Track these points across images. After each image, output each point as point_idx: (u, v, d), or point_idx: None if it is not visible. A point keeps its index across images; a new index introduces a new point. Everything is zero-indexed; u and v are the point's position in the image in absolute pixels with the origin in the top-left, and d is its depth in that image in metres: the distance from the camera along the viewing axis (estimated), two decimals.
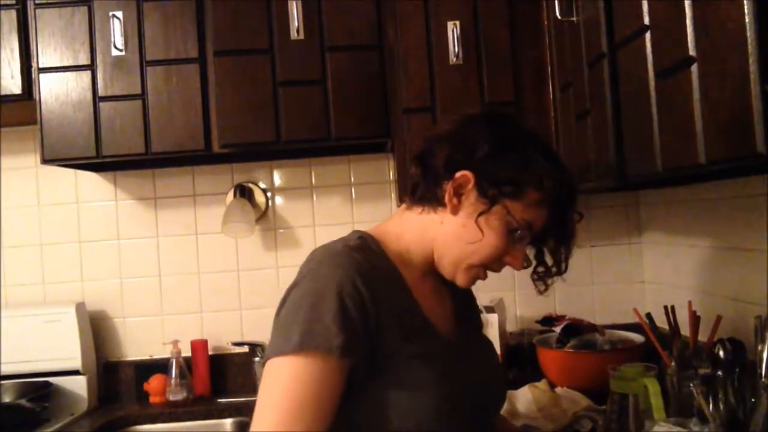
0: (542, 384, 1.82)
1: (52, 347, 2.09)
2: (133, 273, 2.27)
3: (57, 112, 1.92)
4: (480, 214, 1.00)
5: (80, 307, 2.15)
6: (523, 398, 1.74)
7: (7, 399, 1.98)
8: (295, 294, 0.95)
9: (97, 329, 2.23)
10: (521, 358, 2.06)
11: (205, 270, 2.28)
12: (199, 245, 2.28)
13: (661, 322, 1.58)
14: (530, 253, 1.09)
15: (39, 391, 1.99)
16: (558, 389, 1.79)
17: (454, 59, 1.84)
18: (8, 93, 1.94)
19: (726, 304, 1.59)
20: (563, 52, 1.64)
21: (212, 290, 2.27)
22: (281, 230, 2.29)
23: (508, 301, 2.21)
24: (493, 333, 1.91)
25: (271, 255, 2.28)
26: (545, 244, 1.07)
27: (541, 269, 1.09)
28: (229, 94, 1.92)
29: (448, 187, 1.01)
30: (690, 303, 1.48)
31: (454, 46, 1.84)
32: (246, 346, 2.21)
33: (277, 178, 2.30)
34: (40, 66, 1.93)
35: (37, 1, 1.93)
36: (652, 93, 1.05)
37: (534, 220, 1.02)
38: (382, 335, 0.95)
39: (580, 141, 1.51)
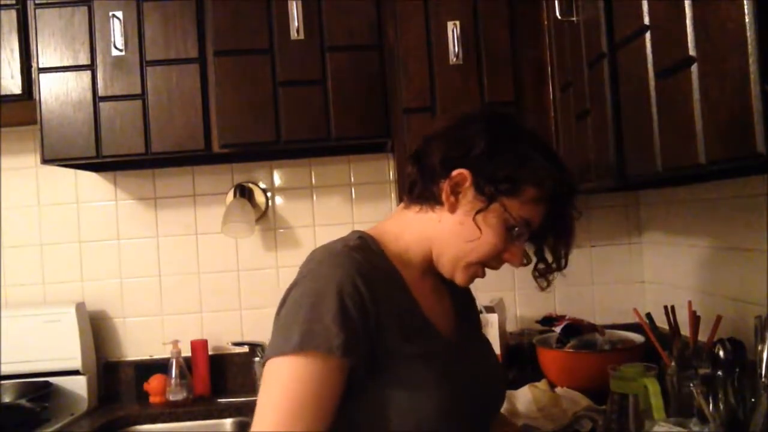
0: (542, 384, 1.82)
1: (52, 347, 2.09)
2: (133, 273, 2.27)
3: (57, 112, 1.92)
4: (477, 212, 1.00)
5: (80, 307, 2.15)
6: (523, 398, 1.74)
7: (7, 399, 1.98)
8: (295, 294, 0.95)
9: (97, 329, 2.23)
10: (521, 358, 2.06)
11: (205, 270, 2.28)
12: (199, 245, 2.28)
13: (661, 322, 1.58)
14: (530, 250, 1.09)
15: (39, 391, 1.99)
16: (558, 389, 1.79)
17: (454, 59, 1.84)
18: (8, 93, 1.94)
19: (726, 304, 1.59)
20: (563, 52, 1.64)
21: (212, 290, 2.27)
22: (281, 230, 2.29)
23: (508, 301, 2.21)
24: (493, 333, 1.91)
25: (271, 255, 2.28)
26: (544, 241, 1.07)
27: (541, 266, 1.09)
28: (229, 94, 1.92)
29: (446, 186, 1.01)
30: (690, 303, 1.48)
31: (454, 46, 1.84)
32: (246, 346, 2.21)
33: (277, 178, 2.30)
34: (40, 66, 1.93)
35: (37, 1, 1.93)
36: (652, 93, 1.05)
37: (532, 218, 1.02)
38: (382, 335, 0.94)
39: (580, 141, 1.51)
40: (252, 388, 2.17)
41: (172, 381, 2.10)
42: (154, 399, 2.14)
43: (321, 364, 0.89)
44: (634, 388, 1.33)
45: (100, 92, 1.93)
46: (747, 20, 0.75)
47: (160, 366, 2.16)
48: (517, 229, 1.02)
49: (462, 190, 1.01)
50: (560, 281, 2.36)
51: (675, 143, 1.00)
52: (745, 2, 0.75)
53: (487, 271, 1.09)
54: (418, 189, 1.06)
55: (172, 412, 2.06)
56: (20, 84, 1.94)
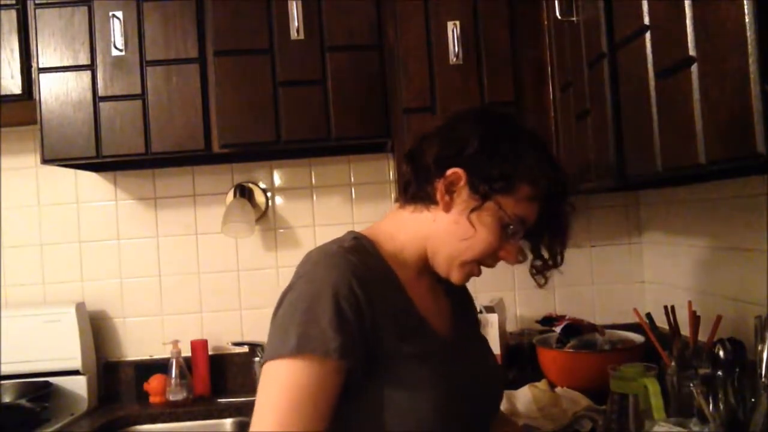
0: (542, 384, 1.82)
1: (52, 347, 2.09)
2: (133, 273, 2.27)
3: (57, 112, 1.92)
4: (472, 211, 1.00)
5: (80, 307, 2.15)
6: (523, 398, 1.74)
7: (7, 399, 1.98)
8: (291, 296, 0.95)
9: (97, 329, 2.23)
10: (521, 358, 2.06)
11: (205, 270, 2.28)
12: (199, 245, 2.28)
13: (661, 322, 1.58)
14: (526, 247, 1.09)
15: (39, 391, 1.99)
16: (558, 389, 1.79)
17: (454, 59, 1.84)
18: (8, 93, 1.94)
19: (726, 304, 1.59)
20: (563, 52, 1.64)
21: (212, 290, 2.27)
22: (281, 230, 2.29)
23: (508, 301, 2.21)
24: (493, 333, 1.91)
25: (271, 255, 2.28)
26: (540, 239, 1.07)
27: (538, 263, 1.09)
28: (229, 94, 1.92)
29: (440, 185, 1.02)
30: (690, 303, 1.48)
31: (454, 46, 1.84)
32: (246, 346, 2.21)
33: (277, 178, 2.30)
34: (40, 66, 1.93)
35: (37, 1, 1.93)
36: (652, 93, 1.05)
37: (526, 215, 1.02)
38: (378, 336, 0.95)
39: (580, 141, 1.51)
40: (252, 388, 2.17)
41: (172, 381, 2.10)
42: (154, 399, 2.14)
43: (318, 367, 0.89)
44: (634, 388, 1.33)
45: (100, 92, 1.93)
46: (747, 20, 0.75)
47: (160, 366, 2.16)
48: (512, 227, 1.02)
49: (456, 189, 1.02)
50: (560, 281, 2.37)
51: (675, 143, 1.00)
52: (745, 2, 0.75)
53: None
54: (413, 189, 1.06)
55: (172, 412, 2.06)
56: (20, 84, 1.94)
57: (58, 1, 1.93)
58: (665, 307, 1.58)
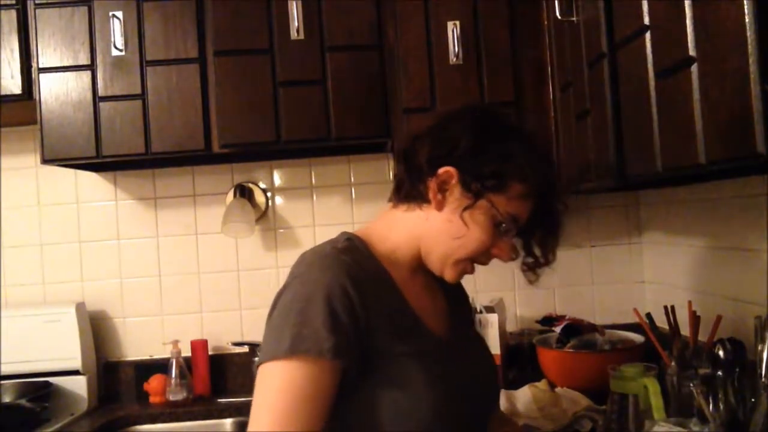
0: (542, 384, 1.82)
1: (52, 347, 2.09)
2: (133, 273, 2.27)
3: (57, 112, 1.92)
4: (464, 209, 1.01)
5: (80, 307, 2.15)
6: (523, 398, 1.74)
7: (7, 399, 1.98)
8: (285, 298, 0.96)
9: (97, 329, 2.23)
10: (521, 358, 2.06)
11: (205, 270, 2.28)
12: (199, 245, 2.28)
13: (661, 322, 1.58)
14: (519, 244, 1.09)
15: (39, 391, 1.99)
16: (558, 389, 1.79)
17: (454, 59, 1.84)
18: (8, 93, 1.94)
19: (726, 304, 1.59)
20: (563, 52, 1.64)
21: (212, 290, 2.27)
22: (281, 230, 2.29)
23: (508, 301, 2.21)
24: (493, 333, 1.91)
25: (271, 255, 2.28)
26: (532, 236, 1.07)
27: (530, 260, 1.09)
28: (229, 94, 1.92)
29: (432, 184, 1.02)
30: (690, 303, 1.48)
31: (454, 46, 1.84)
32: (246, 346, 2.21)
33: (277, 178, 2.30)
34: (40, 66, 1.93)
35: (37, 1, 1.93)
36: (652, 93, 1.05)
37: (519, 213, 1.03)
38: (372, 336, 0.95)
39: (580, 141, 1.51)
40: (252, 388, 2.16)
41: (172, 381, 2.10)
42: (154, 399, 2.14)
43: (312, 368, 0.89)
44: (634, 388, 1.33)
45: (100, 92, 1.93)
46: (747, 20, 0.75)
47: (160, 366, 2.16)
48: (504, 224, 1.02)
49: (449, 187, 1.02)
50: (560, 281, 2.37)
51: (675, 143, 1.00)
52: (745, 2, 0.75)
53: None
54: (406, 188, 1.06)
55: (172, 412, 2.06)
56: (20, 84, 1.94)
57: (58, 1, 1.93)
58: (665, 307, 1.58)
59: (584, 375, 1.77)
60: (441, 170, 1.01)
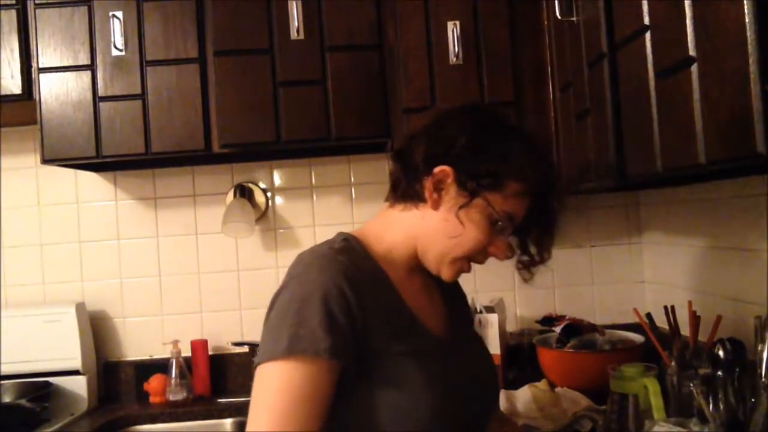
0: (542, 384, 1.82)
1: (52, 347, 2.09)
2: (133, 273, 2.27)
3: (57, 112, 1.92)
4: (460, 208, 1.01)
5: (80, 307, 2.15)
6: (523, 398, 1.74)
7: (7, 399, 1.98)
8: (282, 298, 0.96)
9: (97, 329, 2.23)
10: (521, 358, 2.06)
11: (205, 270, 2.28)
12: (199, 245, 2.28)
13: (661, 322, 1.58)
14: (514, 242, 1.09)
15: (39, 391, 1.99)
16: (558, 389, 1.79)
17: (454, 59, 1.84)
18: (8, 93, 1.94)
19: (726, 304, 1.59)
20: (563, 52, 1.64)
21: (212, 290, 2.27)
22: (281, 230, 2.29)
23: (508, 301, 2.21)
24: (493, 333, 1.91)
25: (271, 255, 2.28)
26: (528, 234, 1.07)
27: (525, 258, 1.09)
28: (229, 94, 1.92)
29: (428, 183, 1.02)
30: (690, 303, 1.48)
31: (454, 46, 1.84)
32: (246, 346, 2.21)
33: (277, 178, 2.30)
34: (40, 66, 1.93)
35: (37, 1, 1.93)
36: (652, 93, 1.05)
37: (515, 211, 1.03)
38: (369, 336, 0.95)
39: (580, 141, 1.51)
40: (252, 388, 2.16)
41: (172, 381, 2.10)
42: (154, 399, 2.14)
43: (309, 368, 0.90)
44: (634, 388, 1.33)
45: (100, 92, 1.93)
46: (747, 20, 0.75)
47: (160, 366, 2.16)
48: (500, 223, 1.03)
49: (445, 186, 1.02)
50: (560, 281, 2.37)
51: (675, 143, 1.00)
52: (745, 2, 0.75)
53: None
54: (402, 187, 1.07)
55: (172, 412, 2.06)
56: (20, 84, 1.94)
57: (58, 1, 1.93)
58: (665, 307, 1.58)
59: (584, 375, 1.77)
60: (437, 169, 1.01)
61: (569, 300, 2.25)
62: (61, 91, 1.92)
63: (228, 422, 2.05)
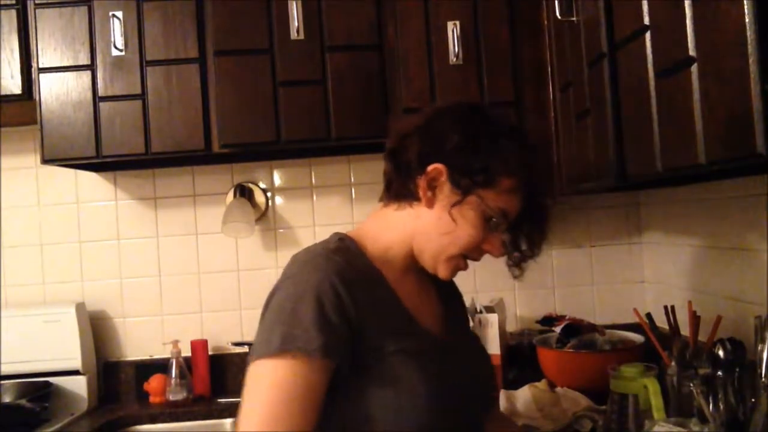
0: (542, 384, 1.82)
1: (52, 347, 2.09)
2: (133, 273, 2.27)
3: (57, 112, 1.92)
4: (454, 205, 1.01)
5: (80, 307, 2.15)
6: (523, 398, 1.74)
7: (7, 399, 1.98)
8: (277, 297, 0.97)
9: (97, 329, 2.23)
10: (521, 358, 2.06)
11: (205, 270, 2.28)
12: (199, 245, 2.28)
13: (661, 322, 1.58)
14: (506, 239, 1.10)
15: (39, 391, 1.99)
16: (558, 389, 1.79)
17: (454, 59, 1.84)
18: (8, 93, 1.94)
19: (726, 304, 1.59)
20: (563, 52, 1.64)
21: (212, 290, 2.27)
22: (281, 230, 2.29)
23: (508, 301, 2.21)
24: (493, 333, 1.90)
25: (271, 255, 2.28)
26: (521, 230, 1.08)
27: (516, 255, 1.10)
28: (229, 94, 1.92)
29: (422, 181, 1.02)
30: (690, 303, 1.48)
31: (454, 46, 1.84)
32: (246, 346, 2.20)
33: (277, 178, 2.30)
34: (40, 66, 1.93)
35: (37, 1, 1.93)
36: (652, 93, 1.05)
37: (508, 207, 1.03)
38: (365, 336, 0.95)
39: (580, 141, 1.51)
40: None
41: (172, 381, 2.10)
42: (154, 399, 2.14)
43: (301, 366, 0.90)
44: (634, 388, 1.33)
45: (100, 92, 1.93)
46: (747, 20, 0.75)
47: (160, 366, 2.16)
48: (494, 219, 1.03)
49: (438, 184, 1.03)
50: (560, 281, 2.37)
51: (675, 143, 1.00)
52: (745, 2, 0.75)
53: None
54: (395, 187, 1.07)
55: (172, 412, 2.06)
56: (20, 84, 1.94)
57: (58, 1, 1.93)
58: (665, 307, 1.58)
59: (584, 375, 1.77)
60: (430, 167, 1.02)
61: (569, 300, 2.25)
62: (61, 91, 1.92)
63: (228, 422, 2.05)
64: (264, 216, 2.29)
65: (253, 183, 2.29)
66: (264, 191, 2.29)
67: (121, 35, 1.92)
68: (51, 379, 2.05)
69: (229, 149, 1.95)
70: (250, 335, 2.24)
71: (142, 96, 1.93)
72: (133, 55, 1.93)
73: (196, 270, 2.28)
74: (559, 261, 2.25)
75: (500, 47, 1.86)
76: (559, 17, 1.57)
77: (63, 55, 1.93)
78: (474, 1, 1.86)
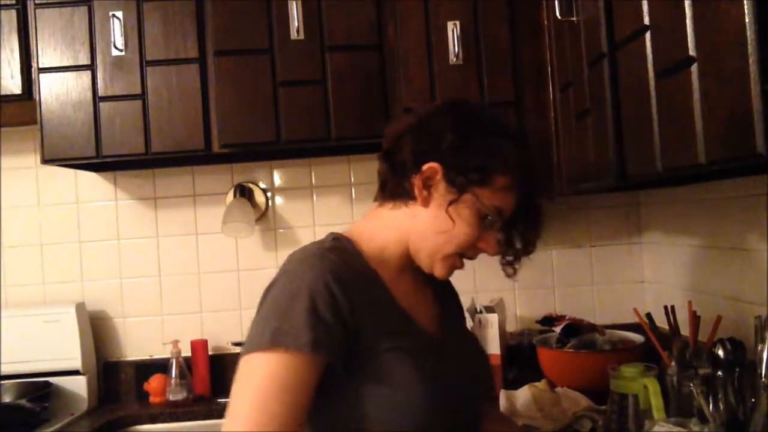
0: (542, 384, 1.81)
1: (52, 347, 2.09)
2: (133, 273, 2.27)
3: (57, 112, 1.92)
4: (450, 204, 1.02)
5: (80, 307, 2.15)
6: (523, 398, 1.74)
7: (7, 399, 1.98)
8: (271, 294, 0.98)
9: (97, 329, 2.23)
10: (521, 358, 2.06)
11: (205, 270, 2.28)
12: (199, 245, 2.28)
13: (661, 322, 1.58)
14: (500, 237, 1.10)
15: (39, 391, 1.99)
16: (558, 389, 1.79)
17: (454, 59, 1.84)
18: (8, 93, 1.94)
19: (726, 304, 1.59)
20: (563, 52, 1.64)
21: (212, 290, 2.27)
22: (281, 230, 2.29)
23: (508, 301, 2.21)
24: (493, 333, 1.90)
25: (271, 255, 2.28)
26: (515, 228, 1.08)
27: (510, 254, 1.10)
28: (229, 94, 1.92)
29: (417, 180, 1.03)
30: (690, 303, 1.48)
31: (454, 46, 1.84)
32: None
33: (277, 178, 2.30)
34: (40, 66, 1.93)
35: (37, 1, 1.93)
36: (652, 93, 1.05)
37: (503, 205, 1.04)
38: (360, 335, 0.95)
39: (580, 141, 1.51)
40: None
41: (172, 381, 2.10)
42: (154, 399, 2.14)
43: (290, 361, 0.90)
44: (634, 388, 1.33)
45: (100, 92, 1.93)
46: (747, 20, 0.75)
47: (160, 366, 2.16)
48: (489, 217, 1.03)
49: (433, 183, 1.03)
50: (560, 281, 2.37)
51: (675, 143, 1.00)
52: (745, 2, 0.75)
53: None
54: (391, 186, 1.07)
55: (172, 412, 2.06)
56: (20, 84, 1.94)
57: (58, 1, 1.93)
58: (665, 307, 1.58)
59: (584, 375, 1.77)
60: (425, 166, 1.02)
61: (569, 300, 2.25)
62: (61, 91, 1.92)
63: None
64: (264, 216, 2.29)
65: (253, 183, 2.29)
66: (264, 191, 2.29)
67: (121, 35, 1.92)
68: (51, 379, 2.05)
69: (229, 149, 1.95)
70: None
71: (142, 96, 1.93)
72: (133, 55, 1.93)
73: (196, 270, 2.28)
74: (559, 261, 2.25)
75: (500, 47, 1.86)
76: (559, 17, 1.57)
77: (63, 55, 1.93)
78: (474, 1, 1.86)
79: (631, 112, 1.17)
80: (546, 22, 1.81)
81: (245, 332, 2.35)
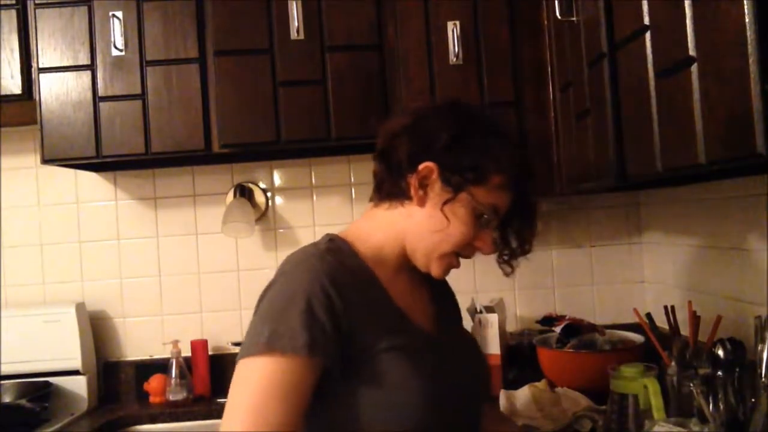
0: (542, 384, 1.82)
1: (52, 347, 2.09)
2: (133, 273, 2.27)
3: (57, 112, 1.92)
4: (445, 203, 1.02)
5: (80, 307, 2.15)
6: (523, 398, 1.74)
7: (7, 399, 1.98)
8: (268, 296, 0.98)
9: (97, 329, 2.23)
10: (521, 358, 2.06)
11: (205, 270, 2.28)
12: (199, 245, 2.28)
13: (661, 322, 1.58)
14: (496, 236, 1.10)
15: (39, 391, 1.99)
16: (558, 389, 1.79)
17: (454, 59, 1.84)
18: (8, 93, 1.94)
19: (726, 304, 1.59)
20: (563, 52, 1.64)
21: (212, 290, 2.27)
22: (281, 230, 2.29)
23: (508, 301, 2.21)
24: (493, 333, 1.91)
25: (271, 255, 2.28)
26: (511, 226, 1.08)
27: (506, 252, 1.10)
28: (229, 94, 1.92)
29: (413, 180, 1.03)
30: (690, 303, 1.48)
31: (454, 46, 1.84)
32: None
33: (277, 178, 2.30)
34: (40, 66, 1.93)
35: (37, 1, 1.93)
36: (652, 93, 1.05)
37: (499, 204, 1.04)
38: (356, 336, 0.95)
39: (580, 141, 1.51)
40: None
41: (172, 381, 2.10)
42: (154, 399, 2.14)
43: (287, 364, 0.90)
44: (634, 388, 1.33)
45: (100, 92, 1.93)
46: (747, 20, 0.75)
47: (160, 366, 2.16)
48: (485, 216, 1.04)
49: (429, 182, 1.03)
50: (560, 281, 2.37)
51: (675, 143, 1.00)
52: (745, 2, 0.75)
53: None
54: (387, 186, 1.07)
55: (172, 412, 2.06)
56: (20, 84, 1.94)
57: (58, 1, 1.93)
58: (665, 307, 1.58)
59: (584, 375, 1.77)
60: (421, 166, 1.02)
61: (569, 300, 2.25)
62: (61, 91, 1.92)
63: None
64: (264, 216, 2.29)
65: (253, 183, 2.29)
66: (264, 191, 2.29)
67: (121, 35, 1.92)
68: (51, 379, 2.05)
69: (229, 149, 1.95)
70: None
71: (142, 96, 1.93)
72: (133, 55, 1.93)
73: (196, 270, 2.28)
74: (559, 261, 2.25)
75: (500, 47, 1.86)
76: (559, 17, 1.57)
77: (63, 55, 1.93)
78: (474, 1, 1.86)
79: (631, 112, 1.17)
80: (546, 22, 1.81)
81: (245, 332, 2.35)
